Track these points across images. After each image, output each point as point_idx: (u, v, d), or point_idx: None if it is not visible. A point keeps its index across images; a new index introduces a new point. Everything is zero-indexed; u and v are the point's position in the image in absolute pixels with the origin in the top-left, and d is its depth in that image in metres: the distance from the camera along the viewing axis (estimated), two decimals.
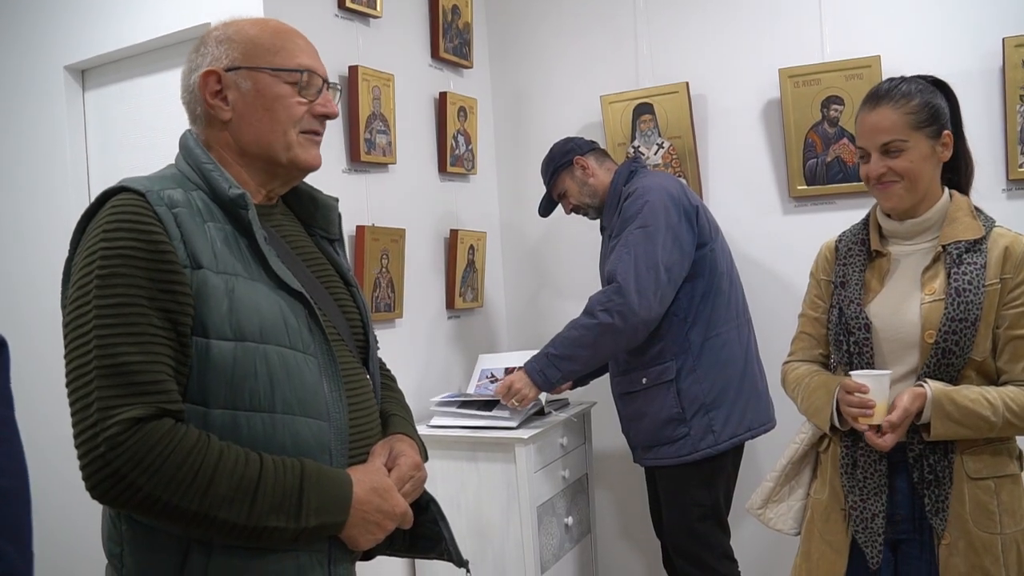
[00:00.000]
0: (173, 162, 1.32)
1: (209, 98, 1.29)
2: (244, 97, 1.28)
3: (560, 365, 2.51)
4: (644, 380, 2.52)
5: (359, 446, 1.31)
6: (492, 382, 2.71)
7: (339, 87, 1.39)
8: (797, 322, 2.04)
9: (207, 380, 1.15)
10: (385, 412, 1.45)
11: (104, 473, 1.07)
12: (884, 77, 2.70)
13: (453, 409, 2.66)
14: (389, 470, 1.31)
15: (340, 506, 1.20)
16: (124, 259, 1.12)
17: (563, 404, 2.93)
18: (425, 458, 1.44)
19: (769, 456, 2.85)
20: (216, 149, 1.31)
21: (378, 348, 1.57)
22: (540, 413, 2.74)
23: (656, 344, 2.50)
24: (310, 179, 1.55)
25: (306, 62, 1.30)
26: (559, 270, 3.43)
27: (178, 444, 1.10)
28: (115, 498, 1.08)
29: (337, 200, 1.48)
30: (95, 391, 1.08)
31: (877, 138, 1.74)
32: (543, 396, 2.78)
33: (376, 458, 1.31)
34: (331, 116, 1.33)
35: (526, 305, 3.51)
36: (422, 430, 2.66)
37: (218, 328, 1.16)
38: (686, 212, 2.47)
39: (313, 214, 1.44)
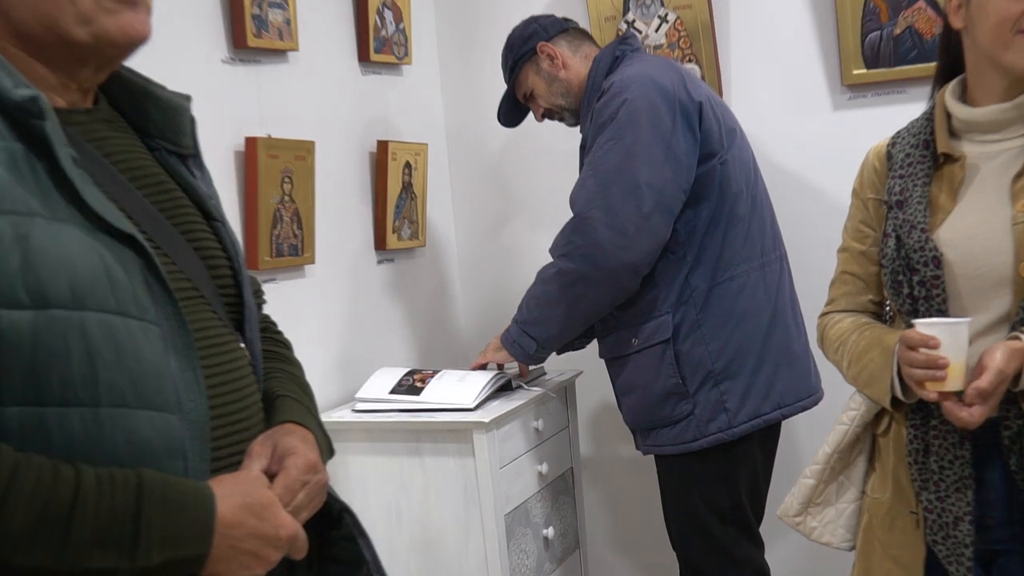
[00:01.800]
0: None
1: None
2: None
3: (532, 332, 2.60)
4: (634, 341, 2.55)
5: (228, 445, 1.29)
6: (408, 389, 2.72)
7: None
8: (837, 260, 2.02)
9: None
10: (271, 393, 1.43)
11: None
12: None
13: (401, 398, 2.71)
14: (272, 476, 1.28)
15: (197, 533, 1.15)
16: None
17: (537, 374, 2.95)
18: (328, 455, 1.42)
19: (812, 442, 2.84)
20: None
21: (263, 304, 1.57)
22: (507, 387, 2.78)
23: (646, 293, 2.52)
24: (165, 73, 1.48)
25: None
26: (529, 194, 3.43)
27: None
28: None
29: (189, 99, 1.42)
30: None
31: None
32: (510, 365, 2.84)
33: (253, 461, 1.28)
34: None
35: (484, 243, 3.51)
36: (343, 416, 2.70)
37: (6, 292, 1.10)
38: (683, 110, 2.45)
39: (153, 119, 1.39)
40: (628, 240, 2.39)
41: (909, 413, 1.83)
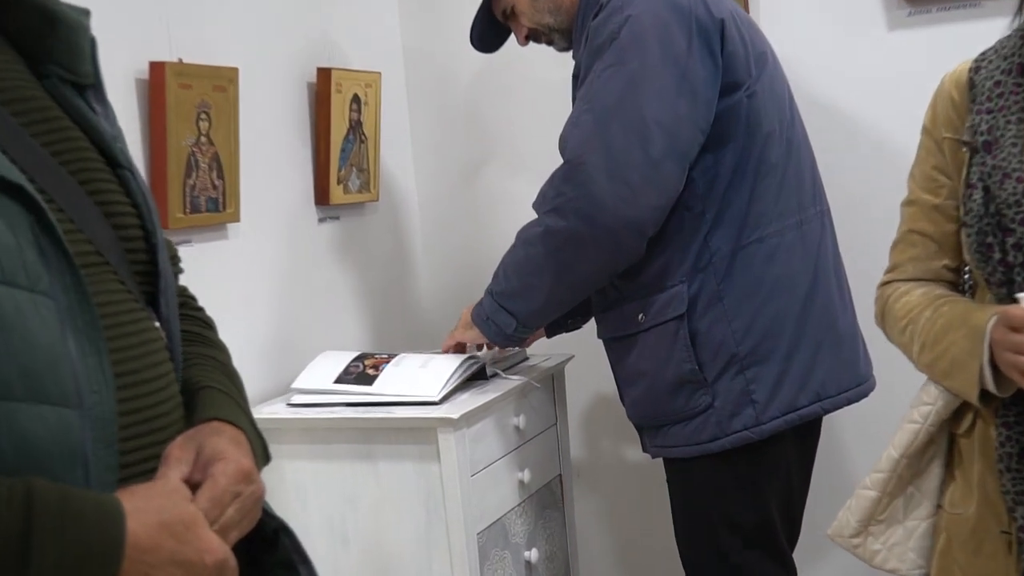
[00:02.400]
0: None
1: None
2: None
3: (511, 306, 2.60)
4: (641, 317, 2.55)
5: (140, 448, 1.28)
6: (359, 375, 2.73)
7: None
8: (900, 215, 2.01)
9: None
10: (192, 383, 1.44)
11: None
12: None
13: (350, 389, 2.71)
14: (196, 487, 1.27)
15: (101, 558, 1.14)
16: None
17: (518, 359, 2.97)
18: (264, 460, 1.43)
19: (862, 443, 2.86)
20: None
21: (180, 273, 1.58)
22: (480, 376, 2.79)
23: (656, 258, 2.52)
24: None
25: None
26: (507, 135, 3.45)
27: None
28: None
29: (87, 13, 1.40)
30: None
31: None
32: (484, 351, 2.86)
33: (171, 468, 1.27)
34: None
35: (452, 196, 3.53)
36: (276, 411, 2.70)
37: None
38: (702, 30, 2.44)
39: (44, 41, 1.37)
40: (632, 192, 2.38)
41: (1000, 409, 1.83)
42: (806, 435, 2.61)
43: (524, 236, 2.56)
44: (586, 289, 2.59)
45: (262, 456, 1.41)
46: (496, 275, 2.64)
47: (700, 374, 2.49)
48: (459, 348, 2.80)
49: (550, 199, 2.48)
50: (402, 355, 2.76)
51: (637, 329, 2.56)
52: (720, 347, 2.48)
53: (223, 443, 1.33)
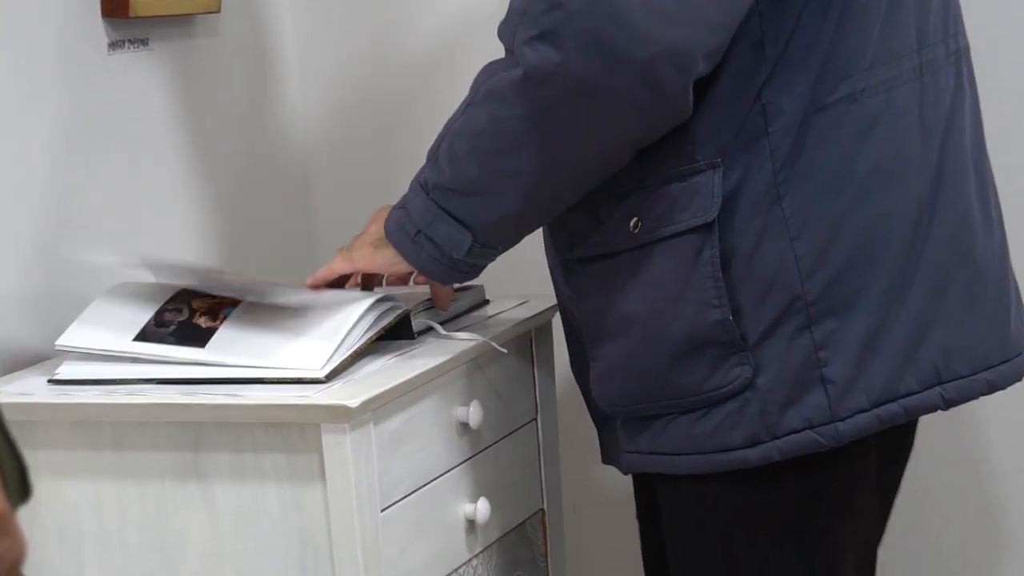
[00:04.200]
0: None
1: None
2: None
3: (462, 210, 2.58)
4: (634, 223, 2.56)
5: None
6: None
7: None
8: None
9: None
10: None
11: None
12: None
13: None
14: None
15: None
16: None
17: (467, 305, 3.08)
18: (21, 494, 1.44)
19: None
20: None
21: None
22: (401, 332, 2.84)
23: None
24: None
25: None
26: None
27: None
28: None
29: None
30: None
31: None
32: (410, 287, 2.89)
33: None
34: None
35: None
36: (32, 392, 2.73)
37: None
38: None
39: None
40: (682, 2, 2.36)
41: None
42: (899, 443, 2.71)
43: (489, 86, 2.52)
44: (592, 176, 2.55)
45: (17, 486, 1.42)
46: (434, 155, 2.61)
47: (735, 329, 2.49)
48: (367, 282, 2.80)
49: (534, 17, 2.40)
50: (255, 283, 2.76)
51: (626, 245, 2.57)
52: (773, 282, 2.48)
53: None
